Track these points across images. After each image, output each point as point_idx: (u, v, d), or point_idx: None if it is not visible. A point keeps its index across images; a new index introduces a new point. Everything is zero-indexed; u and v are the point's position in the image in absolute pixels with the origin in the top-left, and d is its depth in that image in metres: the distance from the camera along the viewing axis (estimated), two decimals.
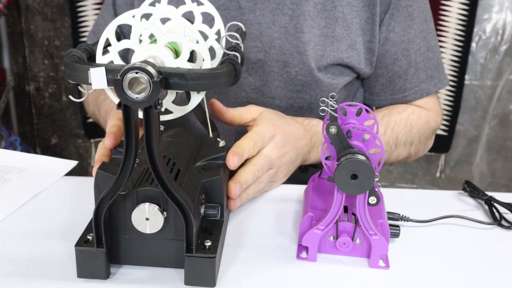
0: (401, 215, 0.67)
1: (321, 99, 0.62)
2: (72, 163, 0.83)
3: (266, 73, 0.90)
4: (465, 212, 0.71)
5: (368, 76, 0.95)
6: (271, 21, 0.88)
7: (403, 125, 0.92)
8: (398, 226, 0.63)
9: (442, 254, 0.62)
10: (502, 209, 0.71)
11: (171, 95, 0.56)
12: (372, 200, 0.57)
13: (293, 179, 0.96)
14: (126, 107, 0.48)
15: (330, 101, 0.62)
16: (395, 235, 0.63)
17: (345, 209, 0.61)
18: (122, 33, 0.92)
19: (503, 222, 0.69)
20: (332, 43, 0.89)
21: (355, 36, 0.89)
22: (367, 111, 0.65)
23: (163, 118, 0.58)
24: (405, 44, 0.91)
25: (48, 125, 2.08)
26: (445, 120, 1.93)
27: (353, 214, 0.61)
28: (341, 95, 0.94)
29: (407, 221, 0.67)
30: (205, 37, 0.59)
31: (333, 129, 0.57)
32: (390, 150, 0.91)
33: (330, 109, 0.61)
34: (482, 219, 0.70)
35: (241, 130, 0.80)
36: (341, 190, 0.56)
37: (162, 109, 0.55)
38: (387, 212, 0.66)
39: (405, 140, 0.92)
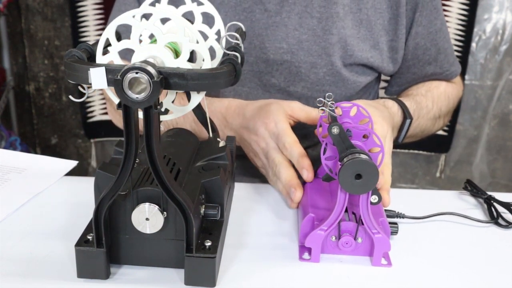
0: (396, 212, 0.67)
1: (318, 99, 0.62)
2: (72, 163, 0.83)
3: (293, 74, 0.92)
4: (464, 210, 0.71)
5: (392, 73, 1.00)
6: (298, 23, 0.90)
7: (443, 97, 0.99)
8: (396, 223, 0.63)
9: (437, 251, 0.63)
10: (501, 209, 0.71)
11: (171, 95, 0.56)
12: (374, 199, 0.57)
13: None
14: (126, 107, 0.48)
15: (328, 101, 0.62)
16: (394, 232, 0.63)
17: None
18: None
19: (500, 221, 0.69)
20: (358, 44, 0.91)
21: (377, 36, 0.92)
22: (361, 110, 0.65)
23: (163, 118, 0.58)
24: (432, 34, 0.96)
25: (48, 125, 2.08)
26: None
27: (353, 213, 0.61)
28: (360, 93, 0.98)
29: (403, 217, 0.67)
30: (205, 37, 0.59)
31: (335, 130, 0.57)
32: (434, 122, 0.98)
33: (329, 110, 0.61)
34: (481, 218, 0.70)
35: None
36: (345, 190, 0.56)
37: (162, 109, 0.55)
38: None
39: (446, 112, 1.01)
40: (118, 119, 1.03)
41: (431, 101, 0.96)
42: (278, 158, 0.72)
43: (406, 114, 0.88)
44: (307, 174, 0.69)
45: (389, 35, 0.93)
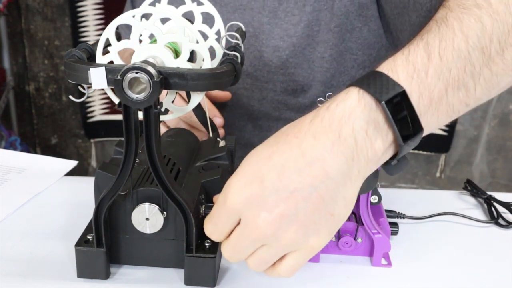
0: (396, 212, 0.67)
1: (318, 99, 0.61)
2: (72, 163, 0.83)
3: (257, 58, 0.89)
4: (464, 210, 0.71)
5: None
6: (261, 6, 0.87)
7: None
8: (396, 224, 0.63)
9: (438, 251, 0.63)
10: (501, 209, 0.71)
11: (171, 95, 0.56)
12: (374, 199, 0.57)
13: None
14: (126, 107, 0.48)
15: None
16: (394, 232, 0.63)
17: None
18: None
19: (500, 221, 0.69)
20: (324, 23, 0.86)
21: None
22: None
23: (163, 118, 0.58)
24: None
25: (48, 125, 2.08)
26: None
27: (353, 213, 0.61)
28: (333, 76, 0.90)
29: (403, 218, 0.67)
30: (205, 37, 0.59)
31: None
32: (489, 67, 0.51)
33: None
34: (481, 218, 0.70)
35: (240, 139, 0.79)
36: None
37: (162, 109, 0.55)
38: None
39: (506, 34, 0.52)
40: None
41: (460, 32, 0.49)
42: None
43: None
44: (220, 119, 0.78)
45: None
